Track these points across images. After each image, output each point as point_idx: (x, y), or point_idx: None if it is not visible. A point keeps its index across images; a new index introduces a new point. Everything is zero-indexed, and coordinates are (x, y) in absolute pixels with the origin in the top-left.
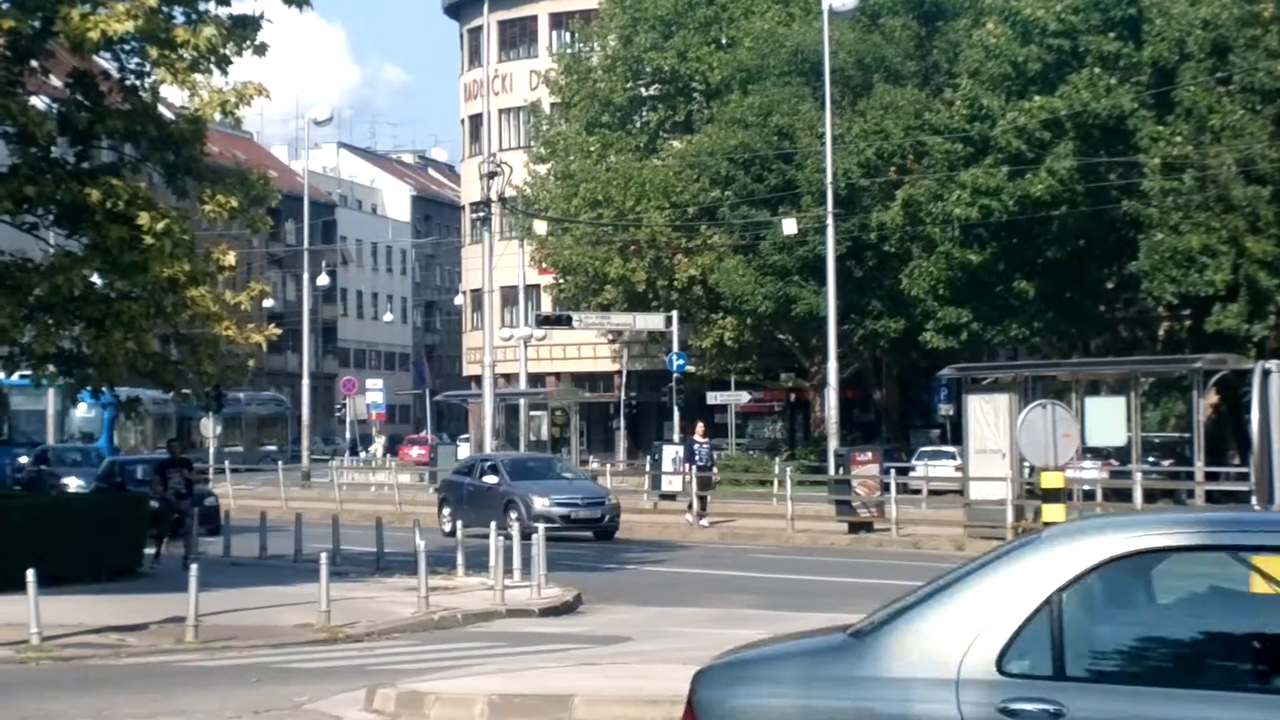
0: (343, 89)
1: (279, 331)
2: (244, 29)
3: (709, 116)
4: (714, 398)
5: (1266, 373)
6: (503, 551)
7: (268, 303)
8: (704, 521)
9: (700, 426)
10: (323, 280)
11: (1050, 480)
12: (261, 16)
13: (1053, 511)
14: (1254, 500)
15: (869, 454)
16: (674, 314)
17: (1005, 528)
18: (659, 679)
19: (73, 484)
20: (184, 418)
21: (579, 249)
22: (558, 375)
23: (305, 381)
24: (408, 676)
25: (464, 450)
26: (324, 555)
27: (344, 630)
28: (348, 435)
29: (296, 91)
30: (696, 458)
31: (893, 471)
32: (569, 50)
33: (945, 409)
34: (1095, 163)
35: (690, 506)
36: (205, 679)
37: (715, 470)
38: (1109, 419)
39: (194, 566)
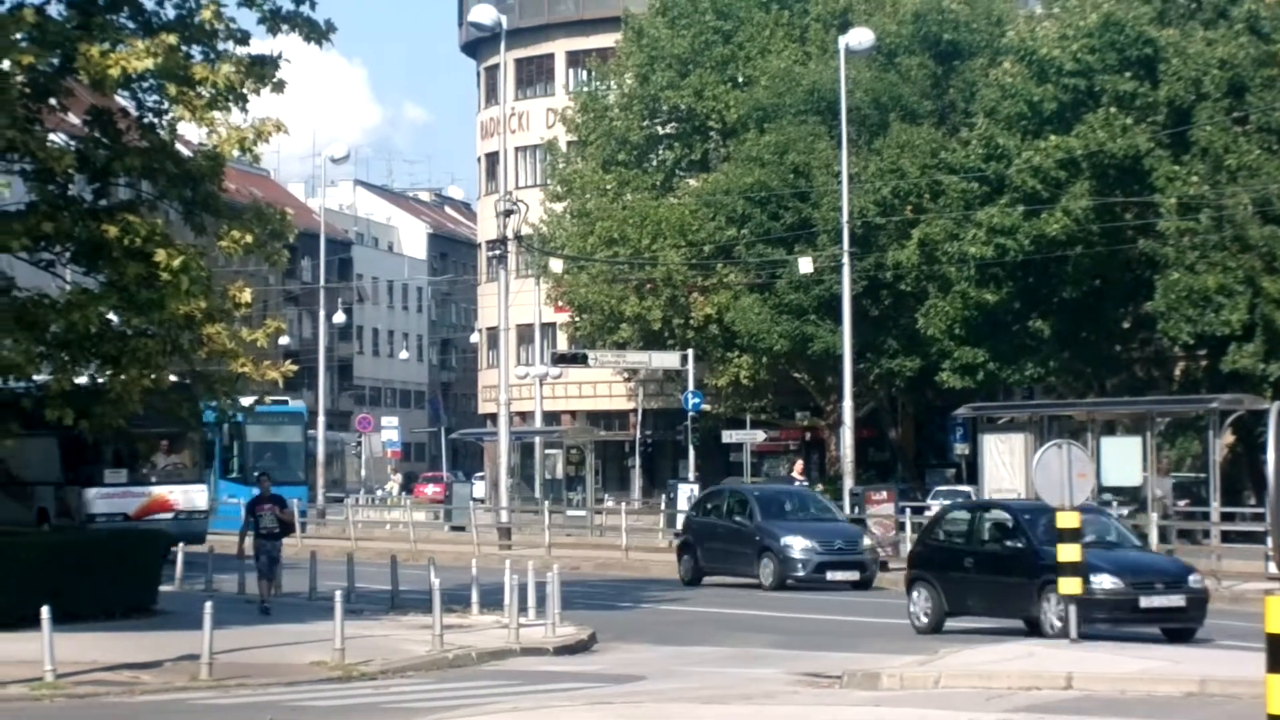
0: (364, 128)
1: (295, 368)
2: (262, 67)
3: (725, 155)
4: (729, 436)
5: None
6: (517, 589)
7: (284, 340)
8: None
9: (799, 464)
10: (339, 318)
11: (1066, 520)
12: (280, 56)
13: (1069, 551)
14: (1269, 541)
15: (884, 493)
16: (689, 352)
17: None
18: (672, 719)
19: None
20: None
21: (595, 287)
22: (573, 413)
23: (321, 419)
24: (421, 715)
25: (479, 489)
26: (338, 593)
27: (358, 668)
28: (361, 473)
29: (314, 130)
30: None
31: (908, 511)
32: (586, 89)
33: (961, 448)
34: (1111, 202)
35: None
36: (219, 717)
37: None
38: (1125, 459)
39: (208, 604)
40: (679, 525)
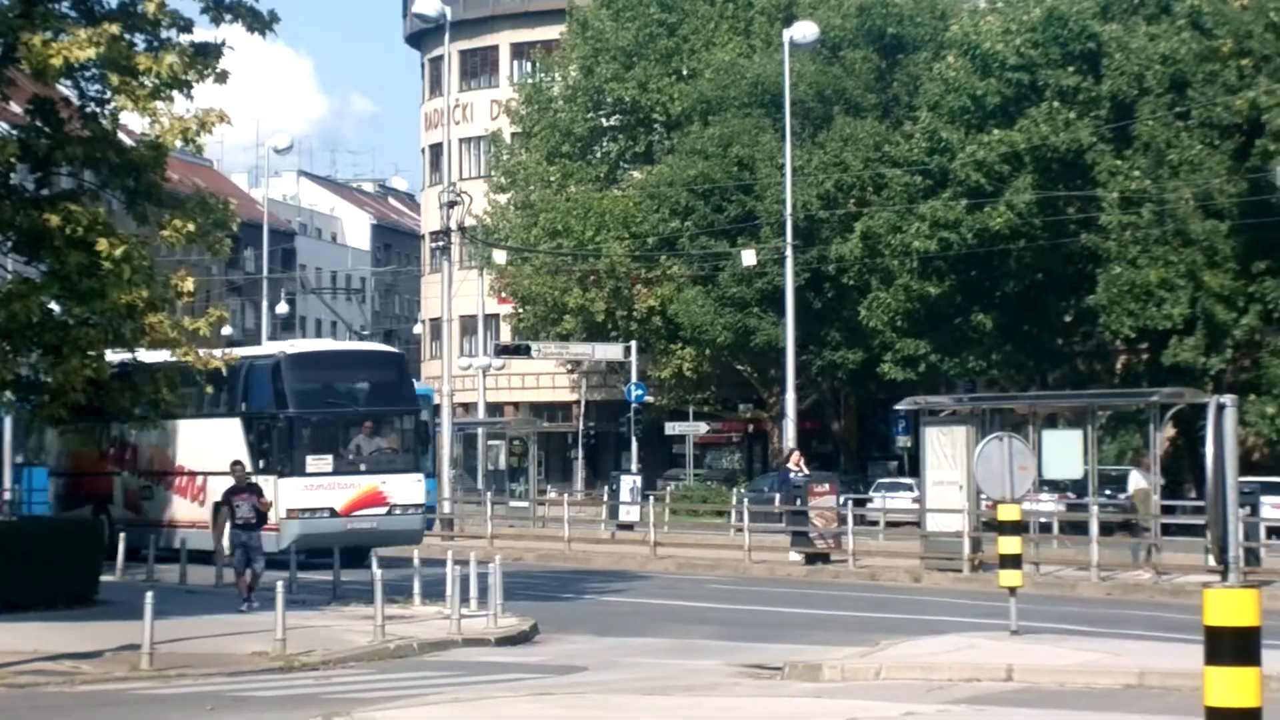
0: (311, 119)
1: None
2: (206, 56)
3: (669, 147)
4: (672, 428)
5: (1221, 407)
6: (459, 580)
7: (226, 330)
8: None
9: (796, 455)
10: (282, 308)
11: (1007, 512)
12: (223, 44)
13: (1009, 544)
14: (1208, 534)
15: (826, 485)
16: (633, 344)
17: (962, 560)
18: (614, 710)
19: None
20: None
21: (538, 279)
22: (516, 405)
23: None
24: (363, 705)
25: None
26: (280, 583)
27: (299, 659)
28: None
29: (259, 120)
30: (796, 487)
31: (850, 503)
32: (530, 80)
33: (903, 440)
34: (1054, 196)
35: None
36: (160, 707)
37: None
38: (1066, 452)
39: (149, 594)
40: (621, 516)
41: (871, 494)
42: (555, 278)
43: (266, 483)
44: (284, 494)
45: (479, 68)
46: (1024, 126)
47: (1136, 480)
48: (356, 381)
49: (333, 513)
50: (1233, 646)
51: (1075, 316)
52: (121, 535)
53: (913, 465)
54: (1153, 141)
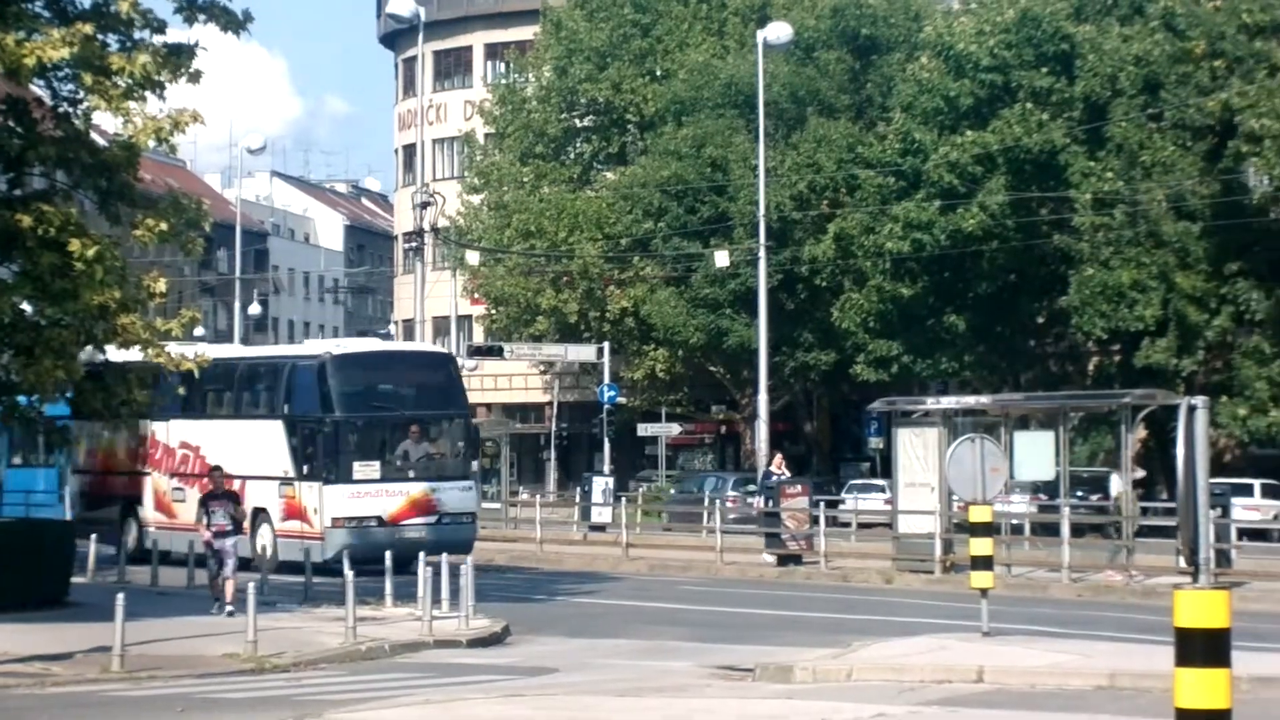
0: (286, 120)
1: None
2: (179, 57)
3: (643, 148)
4: (645, 429)
5: (1192, 409)
6: (431, 582)
7: (199, 331)
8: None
9: (779, 457)
10: (254, 309)
11: (978, 514)
12: (196, 45)
13: (980, 545)
14: (1179, 535)
15: (799, 486)
16: (605, 345)
17: (934, 561)
18: (585, 711)
19: None
20: None
21: (511, 280)
22: (489, 406)
23: None
24: (334, 707)
25: None
26: (251, 585)
27: (271, 660)
28: None
29: (233, 121)
30: (790, 490)
31: (822, 504)
32: (503, 81)
33: (875, 442)
34: (1027, 198)
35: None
36: (130, 709)
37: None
38: (1038, 453)
39: (120, 596)
40: (593, 518)
41: (843, 495)
42: (528, 279)
43: (311, 489)
44: (329, 502)
45: (453, 68)
46: (997, 128)
47: (1119, 483)
48: (405, 383)
49: (380, 521)
50: (1203, 648)
51: (1048, 318)
52: (155, 540)
53: (885, 467)
54: (1125, 143)
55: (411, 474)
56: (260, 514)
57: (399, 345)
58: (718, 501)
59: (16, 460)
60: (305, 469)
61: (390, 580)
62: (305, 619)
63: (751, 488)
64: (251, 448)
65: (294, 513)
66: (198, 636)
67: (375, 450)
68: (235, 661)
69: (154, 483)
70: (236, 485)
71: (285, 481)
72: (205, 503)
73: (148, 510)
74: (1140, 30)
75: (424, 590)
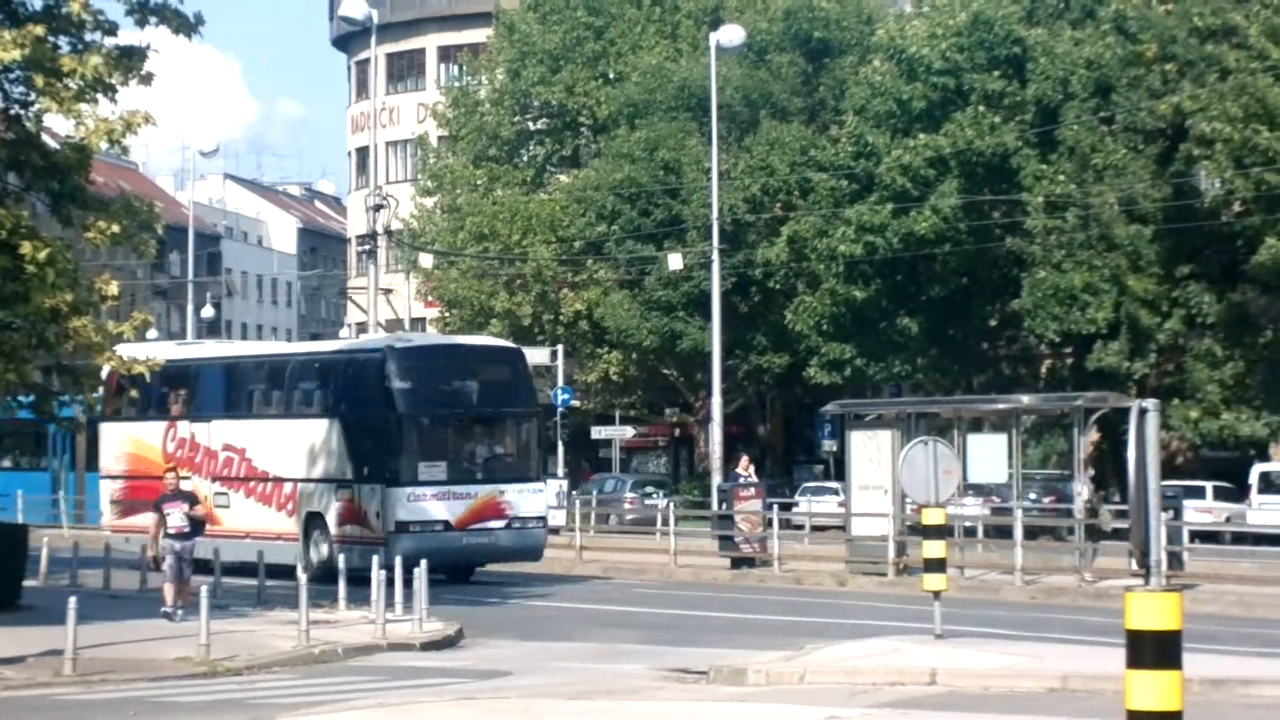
0: (240, 123)
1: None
2: (130, 59)
3: (596, 151)
4: (599, 432)
5: (1143, 411)
6: (384, 585)
7: (151, 334)
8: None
9: (745, 459)
10: (207, 312)
11: (931, 516)
12: (148, 47)
13: (933, 548)
14: (1131, 538)
15: (752, 490)
16: (559, 348)
17: (887, 563)
18: (538, 714)
19: None
20: None
21: (465, 282)
22: None
23: None
24: (287, 711)
25: None
26: (204, 588)
27: (223, 664)
28: None
29: (186, 123)
30: (761, 493)
31: (775, 507)
32: (456, 84)
33: (829, 445)
34: (979, 201)
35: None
36: (83, 712)
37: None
38: (991, 456)
39: (72, 599)
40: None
41: (797, 498)
42: (481, 281)
43: (373, 492)
44: (393, 505)
45: (405, 71)
46: (949, 131)
47: (1084, 487)
48: (471, 378)
49: (447, 526)
50: (1154, 650)
51: (1000, 321)
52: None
53: (838, 469)
54: (1077, 146)
55: (479, 475)
56: (314, 519)
57: (464, 339)
58: (671, 504)
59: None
60: (365, 470)
61: (344, 583)
62: (259, 622)
63: (649, 489)
64: (303, 448)
65: (352, 517)
66: (151, 640)
67: (441, 450)
68: (188, 665)
69: (193, 488)
70: (289, 488)
71: (343, 484)
72: (160, 504)
73: None
74: (1092, 34)
75: (377, 593)
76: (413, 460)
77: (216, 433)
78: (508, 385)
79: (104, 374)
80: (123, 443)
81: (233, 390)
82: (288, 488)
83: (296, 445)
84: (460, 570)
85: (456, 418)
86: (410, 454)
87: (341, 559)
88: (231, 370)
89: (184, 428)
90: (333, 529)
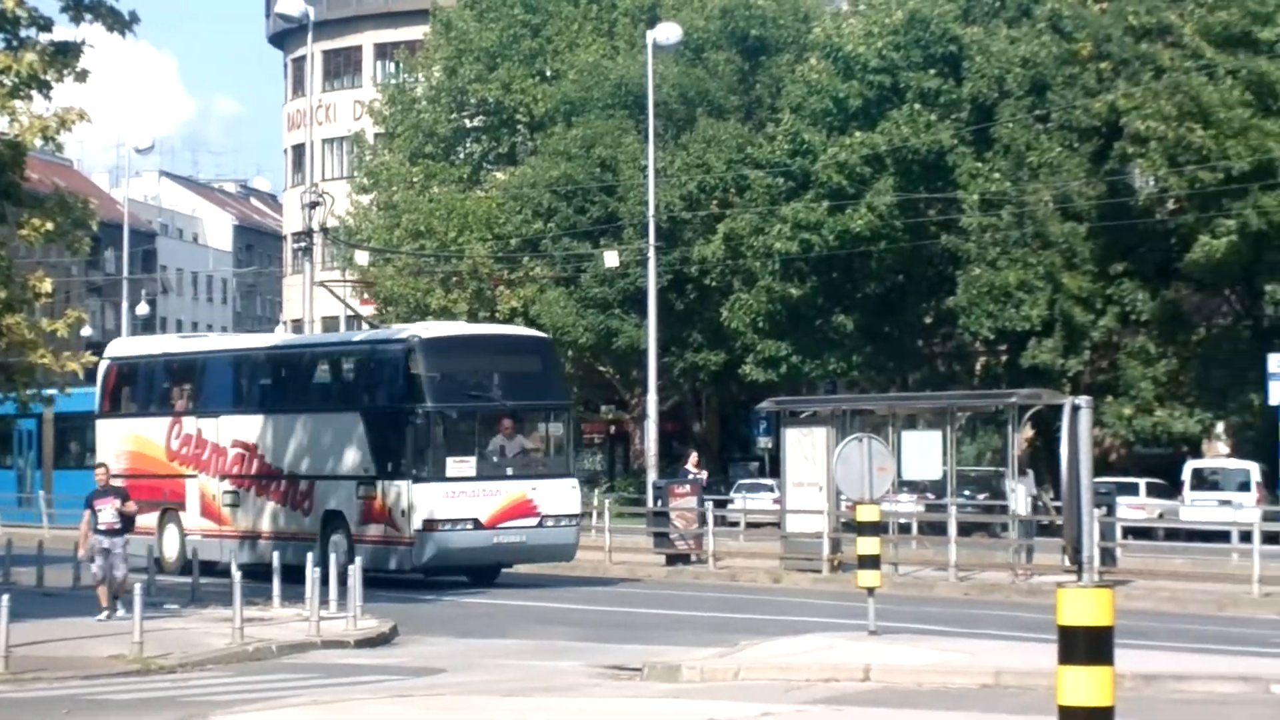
0: (177, 121)
1: (96, 360)
2: (65, 55)
3: (533, 148)
4: None
5: (1076, 408)
6: (319, 582)
7: (86, 331)
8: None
9: (694, 455)
10: (142, 309)
11: (865, 513)
12: (83, 43)
13: (868, 544)
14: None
15: (687, 486)
16: None
17: (821, 560)
18: (472, 711)
19: None
20: None
21: (401, 280)
22: None
23: None
24: (220, 708)
25: None
26: (138, 585)
27: (157, 661)
28: None
29: (122, 120)
30: (699, 490)
31: (710, 504)
32: (393, 81)
33: (764, 442)
34: (915, 198)
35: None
36: (15, 710)
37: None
38: (925, 453)
39: (5, 597)
40: None
41: (732, 495)
42: (418, 279)
43: (398, 489)
44: (421, 503)
45: (342, 68)
46: (885, 128)
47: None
48: (501, 369)
49: (477, 524)
50: (1086, 646)
51: (935, 318)
52: (196, 549)
53: (774, 466)
54: (1013, 144)
55: (510, 471)
56: (334, 518)
57: (493, 328)
58: (606, 501)
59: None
60: (390, 466)
61: (278, 581)
62: (192, 620)
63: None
64: (321, 444)
65: (376, 516)
66: (84, 638)
67: (470, 444)
68: (121, 663)
69: (201, 486)
70: (305, 485)
71: (365, 481)
72: (91, 500)
73: (192, 517)
74: (1027, 32)
75: (311, 590)
76: (442, 455)
77: (226, 428)
78: (538, 376)
79: (102, 369)
80: (122, 440)
81: (244, 384)
82: (303, 485)
83: (314, 441)
84: (488, 572)
85: (488, 410)
86: (439, 448)
87: (363, 560)
88: (242, 363)
89: (190, 423)
90: (353, 528)
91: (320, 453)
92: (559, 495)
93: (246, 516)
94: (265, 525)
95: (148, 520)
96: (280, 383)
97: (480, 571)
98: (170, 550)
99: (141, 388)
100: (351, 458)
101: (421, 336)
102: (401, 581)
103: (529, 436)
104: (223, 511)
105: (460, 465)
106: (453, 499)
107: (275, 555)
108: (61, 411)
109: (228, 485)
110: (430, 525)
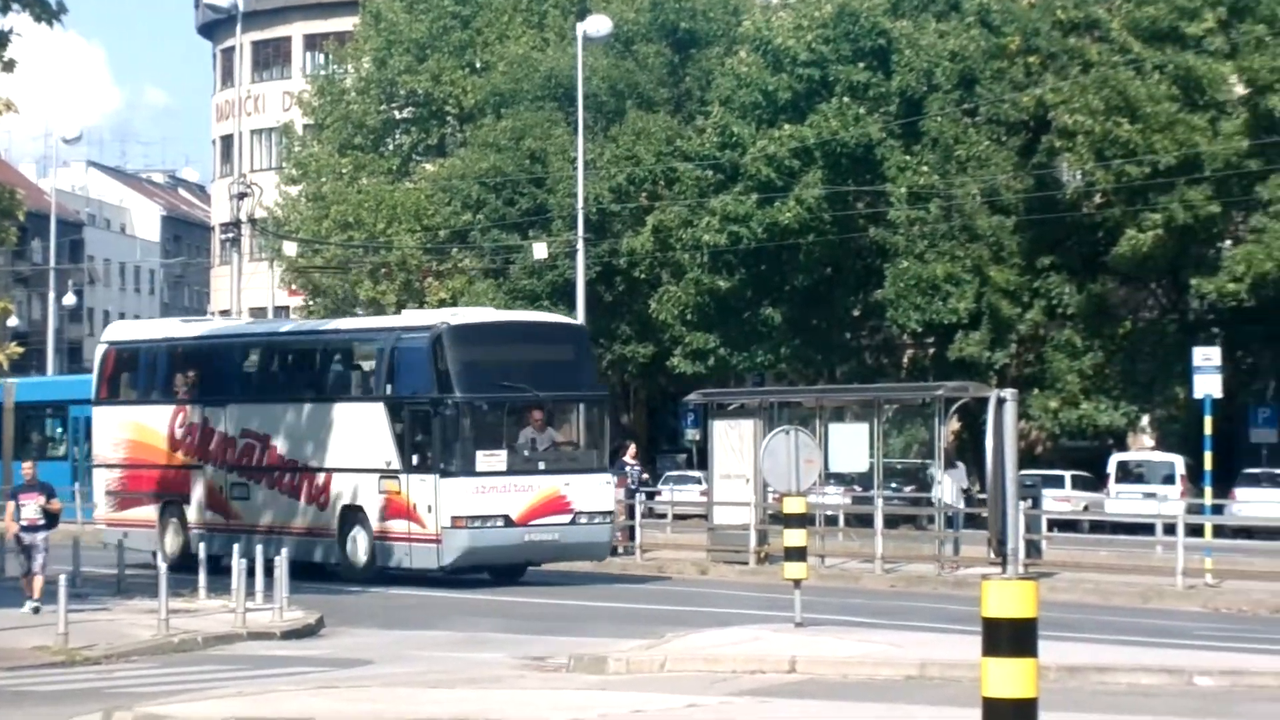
0: (106, 112)
1: (22, 350)
2: None
3: (462, 140)
4: None
5: (1001, 401)
6: (244, 574)
7: (12, 321)
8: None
9: (632, 448)
10: (69, 300)
11: (792, 505)
12: (10, 33)
13: (794, 537)
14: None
15: (614, 478)
16: None
17: (748, 552)
18: (397, 702)
19: None
20: None
21: (329, 271)
22: None
23: None
24: (145, 700)
25: None
26: (62, 577)
27: (82, 653)
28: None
29: (49, 110)
30: (629, 482)
31: (638, 495)
32: (322, 72)
33: (692, 434)
34: (843, 191)
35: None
36: None
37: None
38: (852, 445)
39: None
40: None
41: (660, 487)
42: (346, 270)
43: (424, 483)
44: (448, 498)
45: (271, 59)
46: (814, 122)
47: (952, 479)
48: (533, 358)
49: (508, 521)
50: (1010, 638)
51: (863, 311)
52: (202, 543)
53: (701, 458)
54: (941, 137)
55: (542, 465)
56: (352, 513)
57: (525, 315)
58: None
59: None
60: (415, 459)
61: (204, 572)
62: (118, 612)
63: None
64: (340, 435)
65: (399, 511)
66: (7, 629)
67: (500, 437)
68: (45, 654)
69: (207, 478)
70: (321, 479)
71: (387, 474)
72: (15, 495)
73: (196, 510)
74: (956, 26)
75: (238, 582)
76: (470, 448)
77: (234, 418)
78: (572, 366)
79: (99, 354)
80: (121, 429)
81: (255, 371)
82: (320, 478)
83: (332, 432)
84: (513, 570)
85: (520, 401)
86: (468, 441)
87: (383, 557)
88: (254, 348)
89: (194, 412)
90: (374, 524)
91: (339, 444)
92: (593, 491)
93: (256, 510)
94: (277, 520)
95: (148, 513)
96: (296, 370)
97: (505, 569)
98: (172, 545)
99: (143, 373)
100: (373, 450)
101: (450, 323)
102: (332, 575)
103: (561, 429)
104: (231, 505)
105: (490, 459)
106: (482, 494)
107: (285, 551)
108: (22, 401)
109: (236, 477)
110: (458, 521)
